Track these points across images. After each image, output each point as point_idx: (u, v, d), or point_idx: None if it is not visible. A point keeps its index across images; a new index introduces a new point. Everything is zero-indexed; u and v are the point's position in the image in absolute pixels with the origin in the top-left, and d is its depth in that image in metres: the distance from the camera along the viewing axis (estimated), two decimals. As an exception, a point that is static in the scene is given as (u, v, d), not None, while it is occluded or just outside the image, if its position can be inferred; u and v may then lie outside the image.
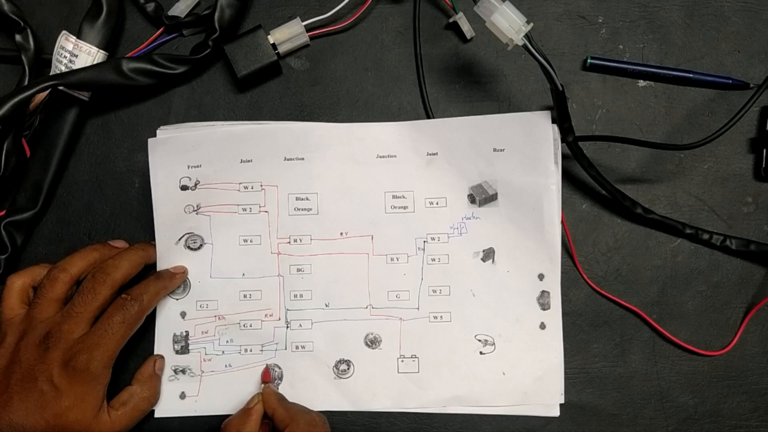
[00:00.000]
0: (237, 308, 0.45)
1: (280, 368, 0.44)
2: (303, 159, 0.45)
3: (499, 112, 0.45)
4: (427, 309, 0.44)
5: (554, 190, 0.44)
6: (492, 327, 0.44)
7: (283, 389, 0.44)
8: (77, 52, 0.43)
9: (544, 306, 0.44)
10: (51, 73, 0.44)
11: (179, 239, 0.45)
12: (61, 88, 0.42)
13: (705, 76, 0.46)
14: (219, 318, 0.45)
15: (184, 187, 0.45)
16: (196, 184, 0.45)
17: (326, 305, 0.45)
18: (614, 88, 0.46)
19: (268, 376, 0.44)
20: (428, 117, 0.46)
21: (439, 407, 0.44)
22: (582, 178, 0.46)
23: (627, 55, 0.46)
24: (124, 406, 0.41)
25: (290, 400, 0.43)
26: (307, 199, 0.45)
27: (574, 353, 0.45)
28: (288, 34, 0.45)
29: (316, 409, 0.43)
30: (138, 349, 0.44)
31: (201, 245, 0.45)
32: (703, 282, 0.46)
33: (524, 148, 0.44)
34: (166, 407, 0.44)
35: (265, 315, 0.45)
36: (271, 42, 0.45)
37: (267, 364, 0.44)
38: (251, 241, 0.45)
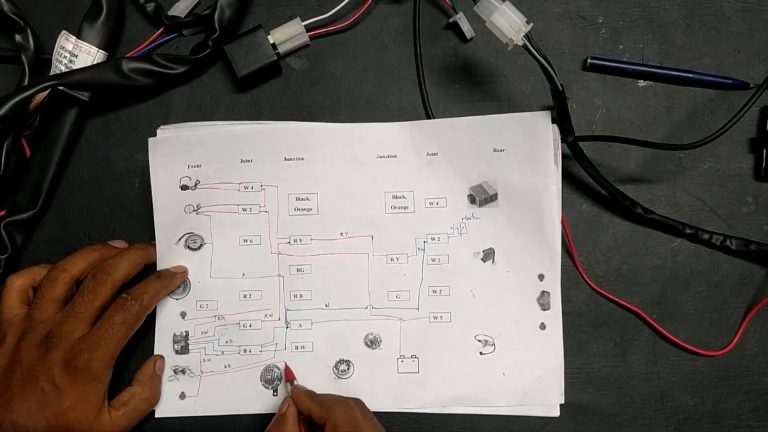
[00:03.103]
0: (237, 308, 0.45)
1: (279, 369, 0.44)
2: (303, 159, 0.45)
3: (499, 112, 0.45)
4: (427, 309, 0.44)
5: (554, 190, 0.44)
6: (492, 327, 0.44)
7: (282, 389, 0.44)
8: (77, 52, 0.43)
9: (544, 306, 0.44)
10: (51, 73, 0.44)
11: (179, 239, 0.45)
12: (61, 88, 0.42)
13: (705, 76, 0.46)
14: (219, 318, 0.45)
15: (184, 187, 0.45)
16: (196, 184, 0.45)
17: (326, 305, 0.45)
18: (614, 88, 0.46)
19: (291, 374, 0.43)
20: (428, 117, 0.46)
21: (439, 407, 0.44)
22: (582, 178, 0.46)
23: (627, 55, 0.46)
24: (124, 406, 0.41)
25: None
26: (307, 199, 0.45)
27: (574, 353, 0.45)
28: (288, 34, 0.45)
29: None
30: (138, 349, 0.44)
31: (201, 245, 0.45)
32: (703, 282, 0.46)
33: (524, 148, 0.44)
34: (166, 407, 0.44)
35: (265, 315, 0.45)
36: (271, 42, 0.45)
37: (285, 363, 0.44)
38: (251, 241, 0.45)
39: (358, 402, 0.40)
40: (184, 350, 0.45)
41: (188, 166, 0.44)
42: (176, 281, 0.44)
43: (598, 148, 0.46)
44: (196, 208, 0.45)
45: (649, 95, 0.46)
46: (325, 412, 0.39)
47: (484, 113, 0.45)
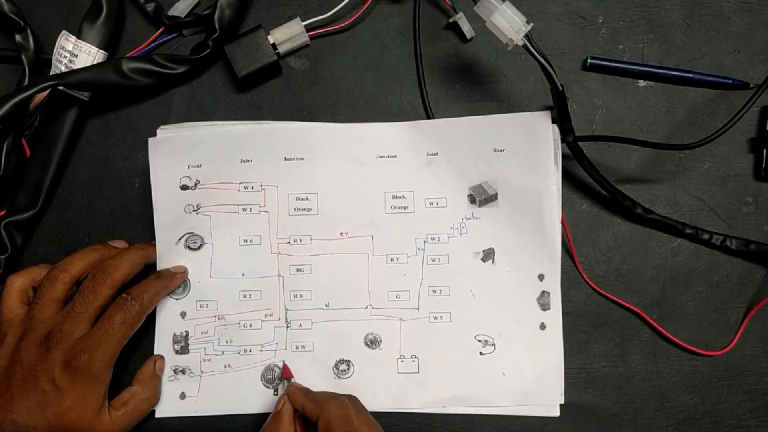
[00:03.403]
0: (237, 308, 0.45)
1: (279, 368, 0.44)
2: (303, 159, 0.45)
3: (499, 112, 0.45)
4: (427, 309, 0.44)
5: (554, 190, 0.44)
6: (492, 327, 0.44)
7: (283, 389, 0.44)
8: (77, 52, 0.43)
9: (544, 306, 0.44)
10: (51, 73, 0.44)
11: (179, 239, 0.45)
12: (61, 88, 0.42)
13: (705, 76, 0.46)
14: (219, 318, 0.45)
15: (184, 187, 0.45)
16: (196, 184, 0.45)
17: (326, 305, 0.45)
18: (614, 88, 0.46)
19: (289, 372, 0.44)
20: (428, 117, 0.46)
21: (439, 407, 0.44)
22: (582, 178, 0.46)
23: (627, 55, 0.46)
24: (124, 406, 0.41)
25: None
26: (307, 199, 0.45)
27: (574, 353, 0.45)
28: (288, 34, 0.45)
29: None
30: (138, 349, 0.44)
31: (201, 245, 0.45)
32: (703, 282, 0.46)
33: (524, 149, 0.44)
34: (166, 407, 0.44)
35: (265, 315, 0.45)
36: (271, 42, 0.45)
37: (284, 361, 0.44)
38: (251, 241, 0.45)
39: (352, 399, 0.40)
40: (184, 350, 0.45)
41: (188, 166, 0.44)
42: (176, 281, 0.44)
43: (598, 148, 0.46)
44: (196, 208, 0.45)
45: (649, 95, 0.46)
46: (318, 408, 0.39)
47: (484, 113, 0.45)
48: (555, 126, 0.43)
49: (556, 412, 0.44)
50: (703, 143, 0.42)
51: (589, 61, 0.46)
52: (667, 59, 0.46)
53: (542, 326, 0.44)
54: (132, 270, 0.42)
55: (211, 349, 0.45)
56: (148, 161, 0.44)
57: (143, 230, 0.46)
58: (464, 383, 0.44)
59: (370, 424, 0.39)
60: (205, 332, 0.45)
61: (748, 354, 0.45)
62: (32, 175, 0.45)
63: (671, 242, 0.46)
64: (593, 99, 0.46)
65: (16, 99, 0.41)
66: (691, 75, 0.46)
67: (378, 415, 0.44)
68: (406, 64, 0.47)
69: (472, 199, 0.45)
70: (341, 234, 0.45)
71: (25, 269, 0.42)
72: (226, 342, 0.45)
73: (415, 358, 0.44)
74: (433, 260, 0.45)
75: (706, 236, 0.45)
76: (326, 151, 0.45)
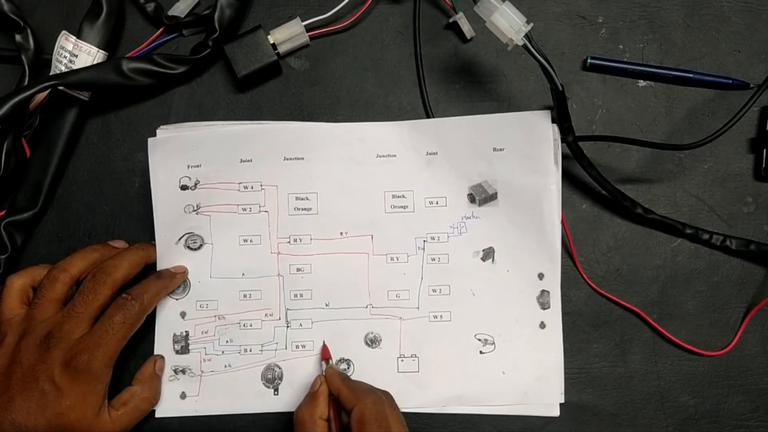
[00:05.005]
0: (237, 308, 0.45)
1: (280, 368, 0.44)
2: (303, 159, 0.45)
3: (499, 112, 0.45)
4: (427, 308, 0.44)
5: (554, 190, 0.44)
6: (492, 326, 0.44)
7: (283, 389, 0.44)
8: (77, 52, 0.43)
9: (544, 305, 0.44)
10: (51, 73, 0.44)
11: (179, 239, 0.45)
12: (61, 88, 0.42)
13: (705, 76, 0.46)
14: (219, 318, 0.45)
15: (184, 187, 0.45)
16: (196, 184, 0.45)
17: (326, 305, 0.45)
18: (614, 88, 0.46)
19: (328, 353, 0.44)
20: (428, 117, 0.46)
21: (439, 407, 0.44)
22: (582, 178, 0.46)
23: (627, 55, 0.46)
24: (124, 406, 0.41)
25: (290, 399, 0.44)
26: (307, 198, 0.45)
27: (574, 353, 0.45)
28: (288, 34, 0.45)
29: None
30: (138, 349, 0.44)
31: (201, 245, 0.45)
32: (703, 282, 0.46)
33: (524, 148, 0.44)
34: (167, 407, 0.44)
35: (265, 315, 0.45)
36: (271, 42, 0.45)
37: (324, 341, 0.44)
38: (251, 241, 0.45)
39: (387, 395, 0.40)
40: (184, 350, 0.45)
41: (188, 166, 0.44)
42: (176, 281, 0.44)
43: (598, 148, 0.46)
44: (196, 208, 0.45)
45: (649, 95, 0.46)
46: (354, 398, 0.39)
47: (484, 113, 0.45)
48: (555, 126, 0.43)
49: (556, 412, 0.44)
50: (703, 143, 0.42)
51: (589, 61, 0.46)
52: (667, 59, 0.46)
53: (542, 325, 0.44)
54: (132, 270, 0.42)
55: (212, 348, 0.45)
56: (148, 161, 0.44)
57: (143, 230, 0.46)
58: (464, 382, 0.44)
59: (401, 424, 0.39)
60: (205, 332, 0.45)
61: (748, 354, 0.45)
62: (32, 175, 0.45)
63: (671, 242, 0.46)
64: (593, 99, 0.46)
65: (16, 99, 0.41)
66: (691, 75, 0.46)
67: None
68: (406, 64, 0.47)
69: (471, 199, 0.45)
70: (341, 234, 0.45)
71: (25, 269, 0.42)
72: (226, 342, 0.45)
73: (415, 357, 0.44)
74: (433, 259, 0.45)
75: (706, 236, 0.45)
76: (326, 150, 0.45)
